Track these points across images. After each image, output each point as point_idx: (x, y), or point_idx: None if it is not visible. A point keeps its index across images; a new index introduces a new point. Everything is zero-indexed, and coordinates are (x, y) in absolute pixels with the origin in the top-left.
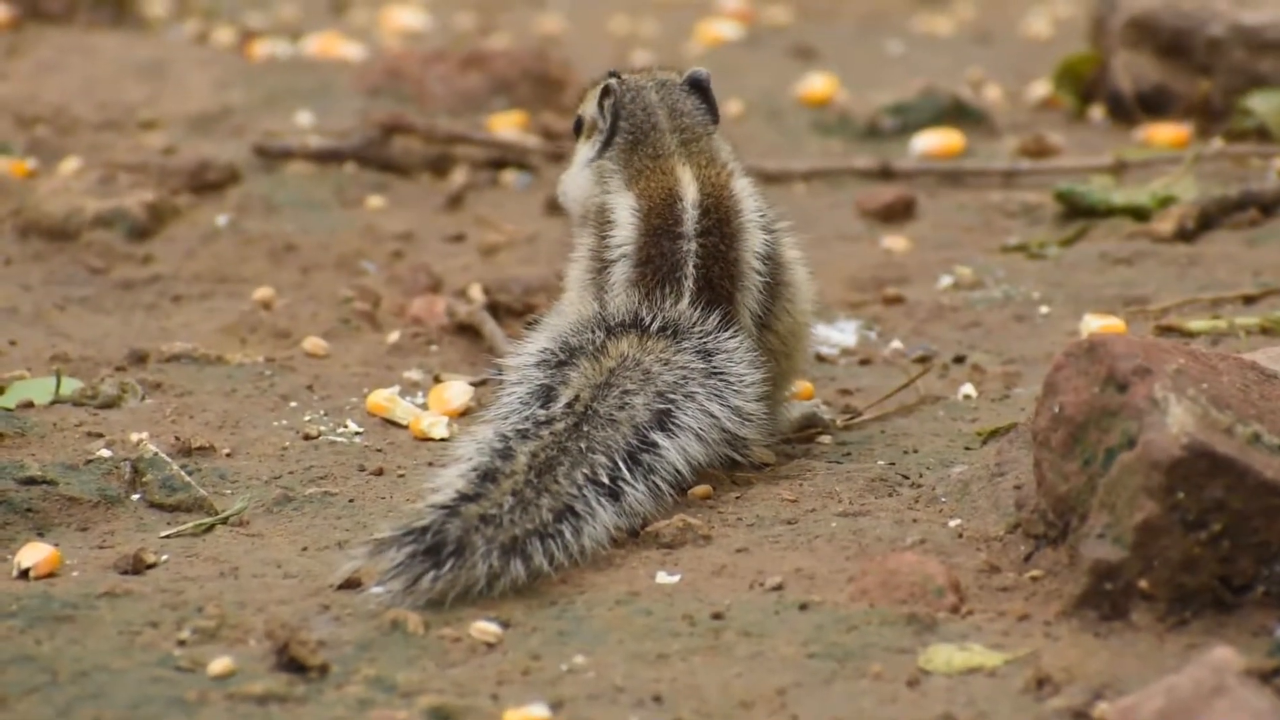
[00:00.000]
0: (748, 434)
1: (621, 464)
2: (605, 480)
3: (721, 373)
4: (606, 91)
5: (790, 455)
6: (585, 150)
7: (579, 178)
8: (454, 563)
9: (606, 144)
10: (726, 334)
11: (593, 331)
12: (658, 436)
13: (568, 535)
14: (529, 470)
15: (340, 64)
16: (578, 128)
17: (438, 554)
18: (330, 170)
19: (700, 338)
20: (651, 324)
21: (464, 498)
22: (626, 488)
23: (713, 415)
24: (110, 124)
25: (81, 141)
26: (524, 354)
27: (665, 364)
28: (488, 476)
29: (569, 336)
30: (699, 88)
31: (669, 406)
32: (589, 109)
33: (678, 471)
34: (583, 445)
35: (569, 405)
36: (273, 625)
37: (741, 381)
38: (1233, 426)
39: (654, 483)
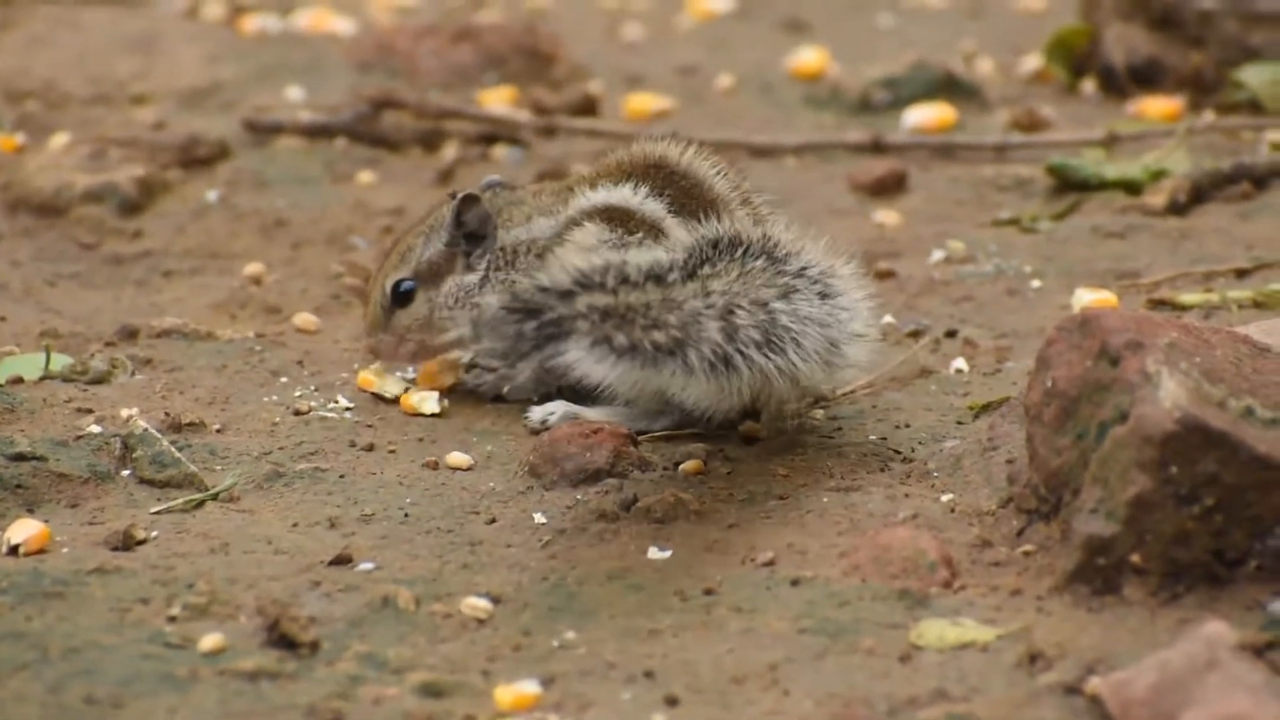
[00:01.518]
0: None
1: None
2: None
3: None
4: (470, 201)
5: (781, 430)
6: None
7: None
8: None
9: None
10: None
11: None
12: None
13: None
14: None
15: (331, 39)
16: (408, 294)
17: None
18: (321, 145)
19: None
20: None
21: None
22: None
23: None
24: (100, 99)
25: (71, 116)
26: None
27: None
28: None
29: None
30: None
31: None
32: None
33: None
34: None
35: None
36: (263, 601)
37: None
38: (1225, 400)
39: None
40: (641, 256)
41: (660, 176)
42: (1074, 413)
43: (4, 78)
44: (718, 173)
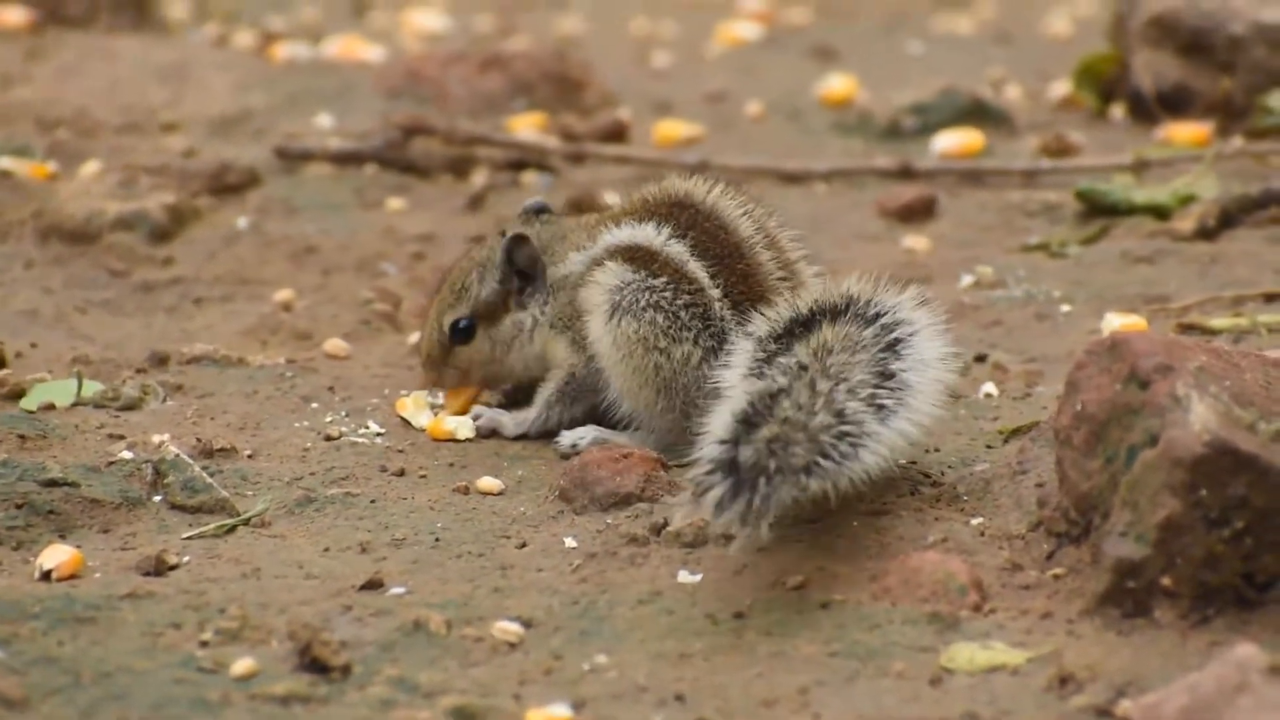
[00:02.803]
0: None
1: (879, 385)
2: (871, 396)
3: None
4: (520, 241)
5: None
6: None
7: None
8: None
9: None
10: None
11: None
12: (896, 365)
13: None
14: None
15: (361, 66)
16: (469, 330)
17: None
18: (350, 172)
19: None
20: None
21: (748, 423)
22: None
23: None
24: (131, 127)
25: (102, 144)
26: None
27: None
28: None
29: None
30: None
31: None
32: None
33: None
34: (833, 370)
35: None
36: (295, 626)
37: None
38: (1255, 423)
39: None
40: (759, 385)
41: (684, 217)
42: (1104, 436)
43: (36, 106)
44: (743, 213)
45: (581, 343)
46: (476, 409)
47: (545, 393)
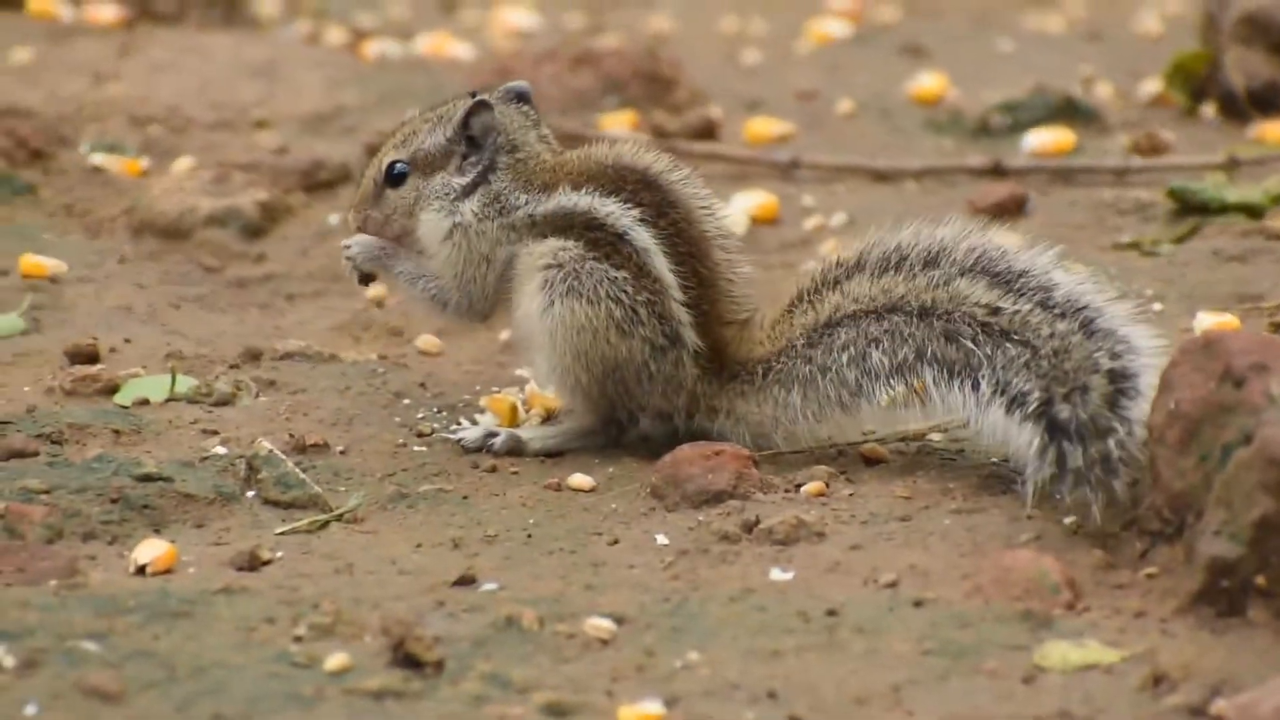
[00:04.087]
0: None
1: None
2: None
3: None
4: (482, 107)
5: (903, 452)
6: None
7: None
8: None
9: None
10: None
11: None
12: None
13: None
14: None
15: (451, 64)
16: (401, 177)
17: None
18: None
19: None
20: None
21: None
22: None
23: None
24: (223, 124)
25: (194, 141)
26: None
27: None
28: None
29: None
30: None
31: None
32: (433, 140)
33: None
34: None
35: None
36: (388, 621)
37: None
38: None
39: None
40: None
41: (651, 200)
42: (1197, 435)
43: (128, 103)
44: (705, 208)
45: (458, 262)
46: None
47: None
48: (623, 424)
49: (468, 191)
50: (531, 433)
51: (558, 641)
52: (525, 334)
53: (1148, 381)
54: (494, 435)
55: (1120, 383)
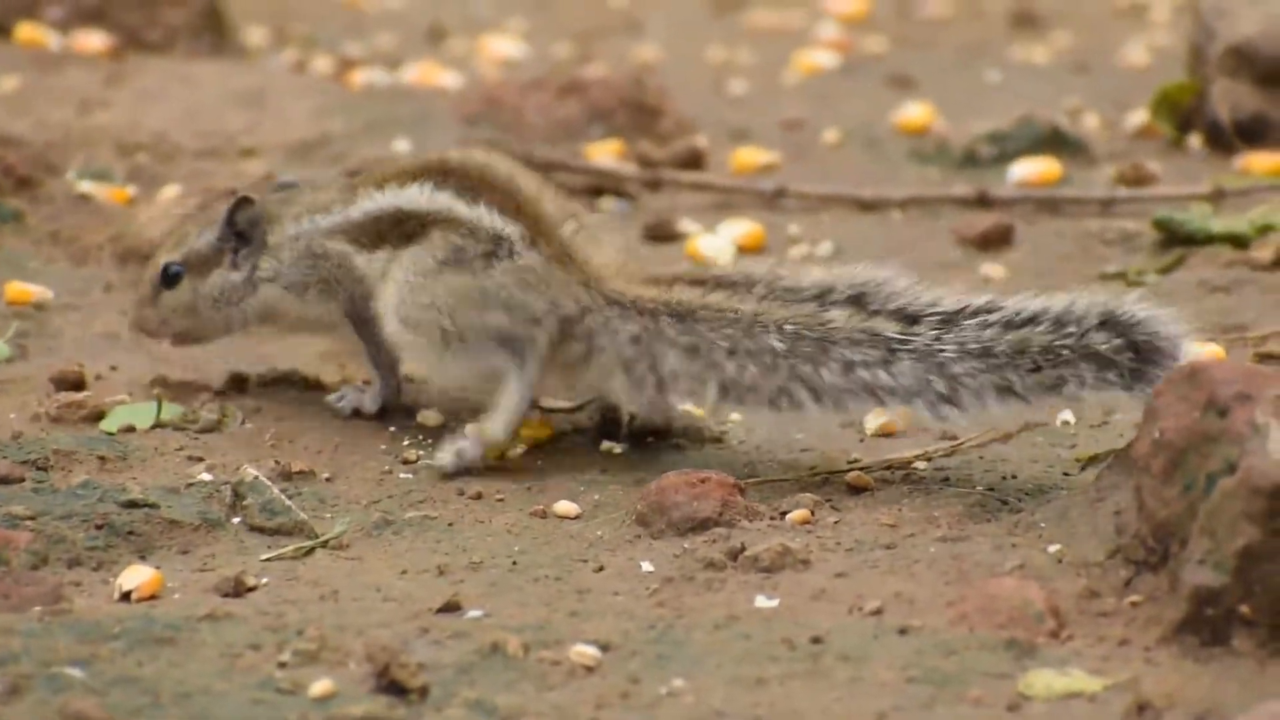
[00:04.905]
0: None
1: None
2: None
3: None
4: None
5: (889, 480)
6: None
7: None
8: None
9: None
10: None
11: None
12: None
13: None
14: None
15: (438, 92)
16: (176, 278)
17: None
18: None
19: None
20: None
21: None
22: None
23: None
24: (210, 151)
25: (181, 169)
26: None
27: None
28: None
29: None
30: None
31: None
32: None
33: None
34: None
35: None
36: (373, 648)
37: None
38: None
39: None
40: None
41: (456, 177)
42: (1182, 464)
43: (116, 131)
44: (516, 172)
45: (330, 287)
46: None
47: (370, 367)
48: (525, 354)
49: (246, 284)
50: (486, 425)
51: (542, 669)
52: (398, 343)
53: None
54: (461, 449)
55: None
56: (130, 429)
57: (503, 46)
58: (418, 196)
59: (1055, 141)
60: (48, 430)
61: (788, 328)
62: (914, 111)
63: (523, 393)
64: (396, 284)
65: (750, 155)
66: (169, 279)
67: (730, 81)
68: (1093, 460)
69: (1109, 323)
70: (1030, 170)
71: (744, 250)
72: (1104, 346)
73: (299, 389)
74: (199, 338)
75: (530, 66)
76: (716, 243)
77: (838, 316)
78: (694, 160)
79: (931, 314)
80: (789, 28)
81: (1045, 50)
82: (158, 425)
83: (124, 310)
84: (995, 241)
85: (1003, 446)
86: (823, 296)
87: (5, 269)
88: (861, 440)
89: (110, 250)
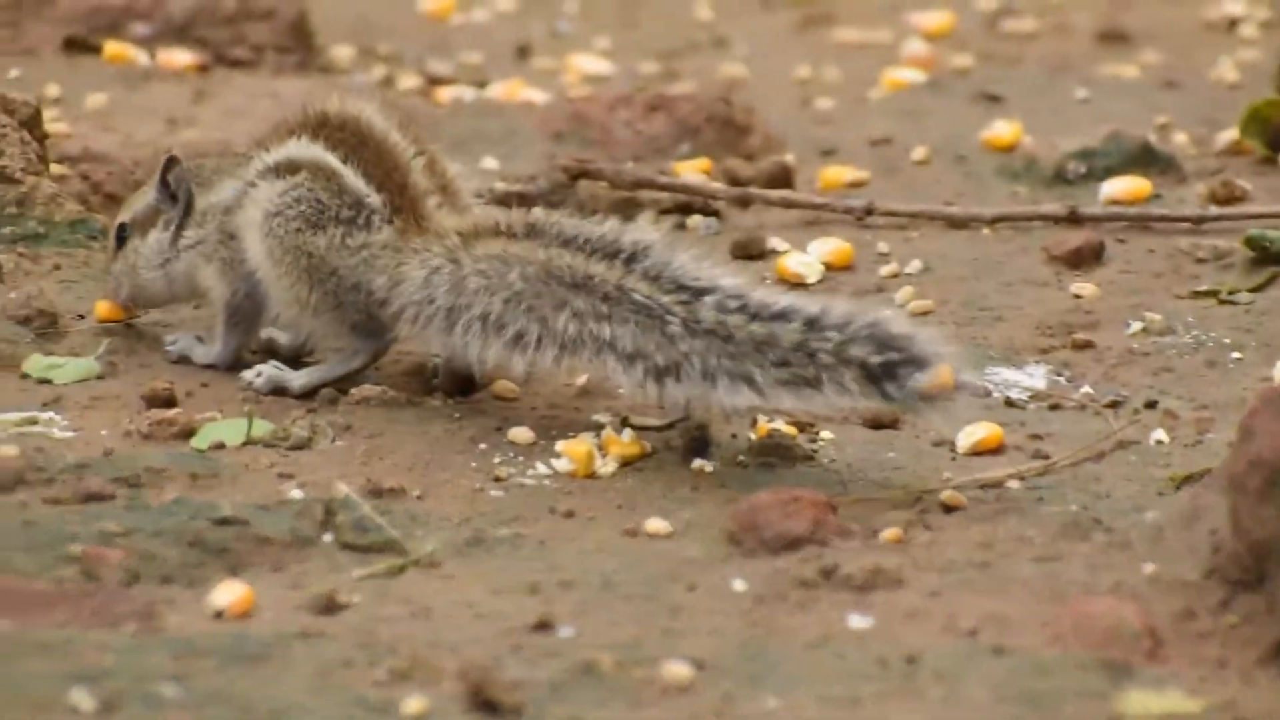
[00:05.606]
0: None
1: None
2: None
3: None
4: (172, 162)
5: (981, 499)
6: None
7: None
8: None
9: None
10: None
11: None
12: None
13: None
14: None
15: (525, 109)
16: (123, 238)
17: None
18: None
19: None
20: None
21: None
22: None
23: None
24: None
25: None
26: None
27: None
28: None
29: None
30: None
31: None
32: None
33: None
34: None
35: None
36: (466, 666)
37: None
38: None
39: None
40: None
41: (330, 130)
42: (1278, 483)
43: (203, 147)
44: (396, 129)
45: (233, 269)
46: (260, 367)
47: (217, 326)
48: (365, 331)
49: (174, 243)
50: (296, 374)
51: (635, 687)
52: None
53: None
54: (259, 374)
55: None
56: (221, 446)
57: (589, 63)
58: (302, 149)
59: (1145, 159)
60: (139, 447)
61: (530, 270)
62: (1002, 128)
63: (345, 366)
64: (262, 211)
65: (838, 172)
66: (119, 240)
67: (817, 98)
68: (1187, 479)
69: (871, 334)
70: (1120, 188)
71: (833, 268)
72: (859, 354)
73: (389, 407)
74: (146, 302)
75: (617, 83)
76: (805, 260)
77: (599, 270)
78: (782, 177)
79: (692, 287)
80: (875, 44)
81: (1133, 66)
82: (248, 442)
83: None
84: (1086, 259)
85: (1096, 465)
86: (607, 251)
87: (95, 286)
88: (954, 459)
89: None
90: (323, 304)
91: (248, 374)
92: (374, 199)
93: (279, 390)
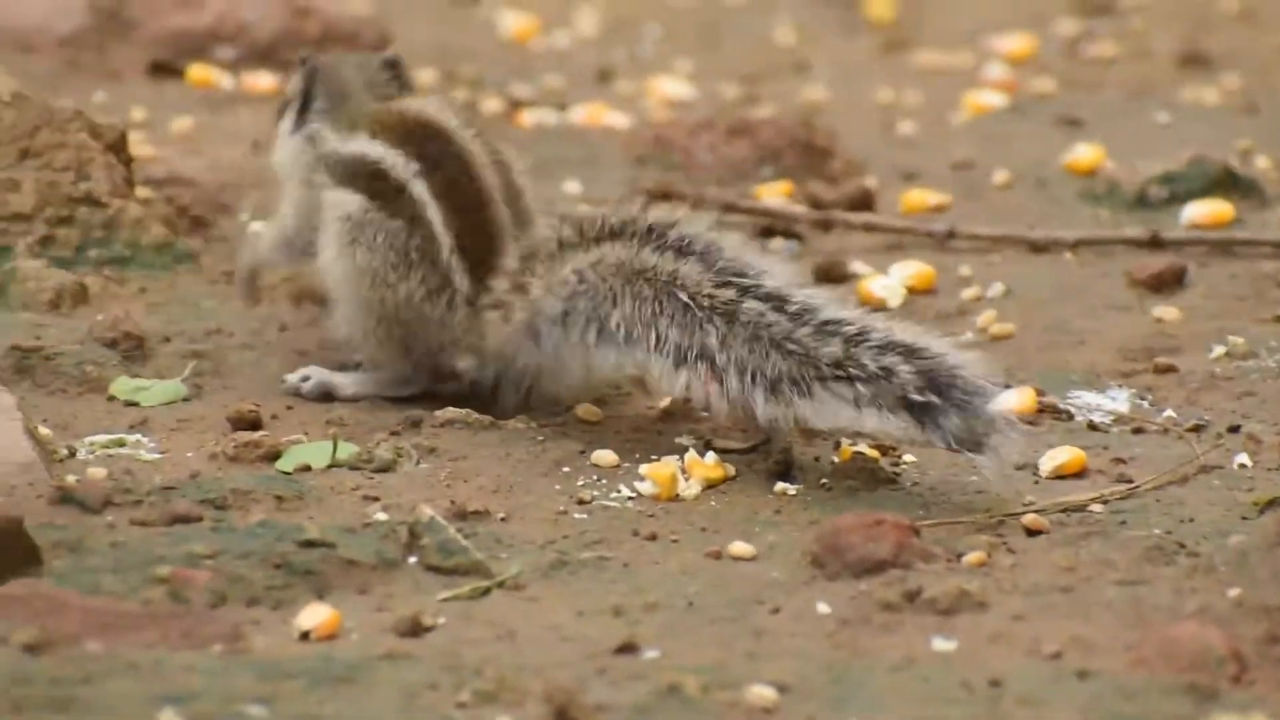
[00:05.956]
0: None
1: None
2: None
3: None
4: (301, 62)
5: (1064, 523)
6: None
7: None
8: None
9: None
10: None
11: None
12: None
13: None
14: None
15: (607, 133)
16: (276, 120)
17: None
18: None
19: None
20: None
21: None
22: None
23: None
24: None
25: None
26: None
27: None
28: None
29: None
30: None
31: None
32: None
33: None
34: None
35: None
36: (551, 688)
37: None
38: None
39: None
40: None
41: (434, 152)
42: None
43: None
44: (492, 160)
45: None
46: (306, 370)
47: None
48: (426, 370)
49: (293, 132)
50: (345, 379)
51: (720, 710)
52: (326, 285)
53: None
54: (307, 379)
55: None
56: (306, 468)
57: (671, 87)
58: (401, 168)
59: (1227, 183)
60: (225, 470)
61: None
62: (1084, 152)
63: (394, 389)
64: (345, 246)
65: (920, 196)
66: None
67: (899, 122)
68: (1271, 504)
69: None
70: (1202, 212)
71: (915, 291)
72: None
73: (473, 429)
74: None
75: (698, 107)
76: (887, 284)
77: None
78: (864, 201)
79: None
80: (956, 68)
81: (1215, 90)
82: (333, 465)
83: (299, 350)
84: (1168, 283)
85: (1179, 489)
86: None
87: (181, 309)
88: (1037, 482)
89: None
90: (388, 338)
91: (292, 377)
92: (460, 279)
93: (327, 396)
